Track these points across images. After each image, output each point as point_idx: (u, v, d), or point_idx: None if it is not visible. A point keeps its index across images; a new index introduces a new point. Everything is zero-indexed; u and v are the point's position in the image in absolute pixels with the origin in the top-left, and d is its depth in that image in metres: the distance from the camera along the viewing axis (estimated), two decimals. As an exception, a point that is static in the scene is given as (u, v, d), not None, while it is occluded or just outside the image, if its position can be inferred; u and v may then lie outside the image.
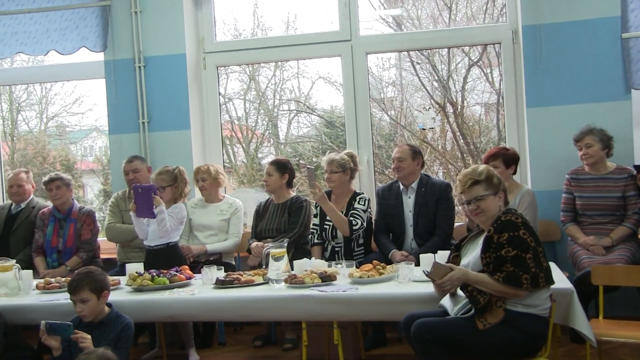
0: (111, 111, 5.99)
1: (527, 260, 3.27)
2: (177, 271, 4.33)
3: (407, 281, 3.93)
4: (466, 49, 6.25)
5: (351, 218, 5.01)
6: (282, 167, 5.34)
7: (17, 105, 7.57)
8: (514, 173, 5.03)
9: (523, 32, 5.39)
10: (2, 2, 5.99)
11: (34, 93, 7.55)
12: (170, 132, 5.88)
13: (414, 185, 5.09)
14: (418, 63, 6.47)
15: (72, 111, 7.55)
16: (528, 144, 5.41)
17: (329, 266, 4.31)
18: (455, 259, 3.66)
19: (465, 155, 6.43)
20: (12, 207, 5.72)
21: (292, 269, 4.23)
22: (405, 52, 6.38)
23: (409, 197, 5.09)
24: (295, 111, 6.94)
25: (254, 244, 5.21)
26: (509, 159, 4.95)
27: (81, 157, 7.96)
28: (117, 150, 5.96)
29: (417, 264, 4.23)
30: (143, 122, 5.89)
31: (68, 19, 5.86)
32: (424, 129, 6.22)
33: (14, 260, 4.42)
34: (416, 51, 6.31)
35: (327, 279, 3.98)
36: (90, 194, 7.91)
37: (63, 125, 7.79)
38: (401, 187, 5.13)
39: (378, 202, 5.24)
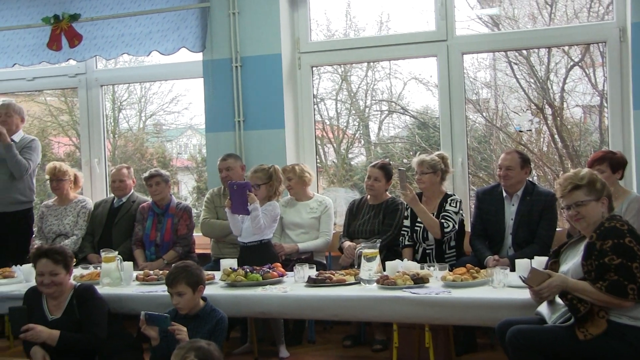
0: (208, 110, 6.13)
1: (633, 269, 3.11)
2: (270, 268, 4.39)
3: (502, 286, 3.83)
4: (566, 48, 6.03)
5: (442, 220, 4.93)
6: (389, 173, 5.34)
7: (119, 104, 7.85)
8: (621, 178, 4.78)
9: (632, 30, 5.14)
10: (112, 7, 6.22)
11: (134, 92, 7.80)
12: (265, 131, 5.96)
13: (519, 192, 4.91)
14: (515, 63, 6.30)
15: (169, 110, 7.76)
16: (634, 148, 5.17)
17: (422, 268, 4.26)
18: (553, 265, 3.53)
19: (564, 158, 6.21)
20: (115, 201, 5.96)
21: (384, 270, 4.21)
22: (501, 53, 6.22)
23: (512, 205, 4.92)
24: (387, 111, 6.89)
25: (347, 244, 5.21)
26: (616, 163, 4.68)
27: (176, 155, 8.15)
28: (213, 148, 6.09)
29: (512, 269, 4.12)
30: (239, 121, 6.00)
31: (169, 20, 6.03)
32: (520, 131, 6.06)
33: (117, 252, 4.59)
34: (514, 51, 6.15)
35: (419, 281, 3.94)
36: (185, 191, 8.09)
37: (160, 124, 8.00)
38: (504, 193, 4.97)
39: (477, 206, 5.12)
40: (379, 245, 4.23)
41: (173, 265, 4.05)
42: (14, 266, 5.01)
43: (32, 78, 7.00)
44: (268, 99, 5.96)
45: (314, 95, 6.29)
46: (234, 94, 5.99)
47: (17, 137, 5.87)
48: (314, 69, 6.27)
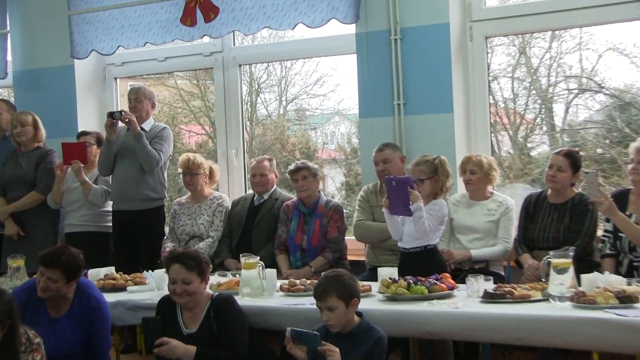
0: (362, 91, 6.15)
1: None
2: (437, 279, 4.33)
3: None
4: None
5: (655, 229, 4.65)
6: (577, 163, 5.13)
7: (256, 87, 8.03)
8: None
9: None
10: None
11: (273, 73, 7.96)
12: (430, 115, 5.89)
13: None
14: None
15: (313, 93, 7.85)
16: None
17: (628, 284, 4.03)
18: None
19: None
20: (255, 198, 6.11)
21: (579, 285, 4.02)
22: None
23: None
24: (576, 90, 6.60)
25: (527, 263, 5.03)
26: None
27: (322, 145, 8.24)
28: (367, 137, 6.11)
29: None
30: (398, 104, 5.96)
31: (318, -12, 6.09)
32: None
33: (258, 257, 4.67)
34: None
35: (626, 300, 3.74)
36: (332, 187, 8.16)
37: (303, 109, 8.13)
38: None
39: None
40: (572, 254, 4.05)
41: (322, 274, 4.07)
42: (145, 271, 5.26)
43: (164, 58, 7.34)
44: (433, 77, 5.89)
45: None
46: (392, 73, 5.97)
47: (147, 125, 6.16)
48: (487, 40, 6.11)
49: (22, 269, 5.22)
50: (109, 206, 6.32)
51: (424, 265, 4.65)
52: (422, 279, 4.32)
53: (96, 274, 5.20)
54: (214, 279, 4.93)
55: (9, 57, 7.69)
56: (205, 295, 4.23)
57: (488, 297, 4.05)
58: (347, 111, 7.77)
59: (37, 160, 6.41)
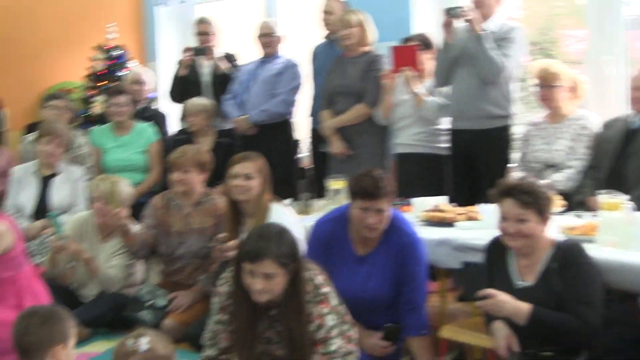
0: None
1: None
2: None
3: None
4: None
5: None
6: None
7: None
8: None
9: None
10: None
11: None
12: None
13: None
14: None
15: None
16: None
17: None
18: None
19: None
20: (631, 119, 5.68)
21: None
22: None
23: None
24: None
25: None
26: None
27: None
28: None
29: None
30: None
31: None
32: None
33: (628, 197, 4.41)
34: None
35: None
36: None
37: None
38: None
39: None
40: None
41: None
42: (481, 204, 5.20)
43: None
44: None
45: None
46: None
47: (494, 25, 6.04)
48: None
49: (342, 192, 5.47)
50: (443, 123, 6.39)
51: None
52: None
53: (422, 204, 5.31)
54: (567, 220, 4.77)
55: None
56: (548, 240, 4.09)
57: None
58: None
59: (365, 68, 6.60)
